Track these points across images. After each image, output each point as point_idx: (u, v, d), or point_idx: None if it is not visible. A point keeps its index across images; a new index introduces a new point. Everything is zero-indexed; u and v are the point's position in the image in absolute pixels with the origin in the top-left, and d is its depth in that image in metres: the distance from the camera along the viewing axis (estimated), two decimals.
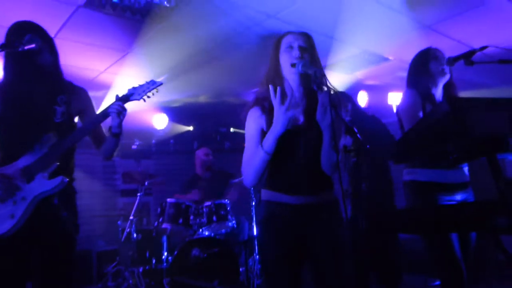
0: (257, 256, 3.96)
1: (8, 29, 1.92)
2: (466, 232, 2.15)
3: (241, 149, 1.78)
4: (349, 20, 3.37)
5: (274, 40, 1.83)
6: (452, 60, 1.91)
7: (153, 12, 3.12)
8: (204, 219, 3.84)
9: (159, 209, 4.02)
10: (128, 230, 4.46)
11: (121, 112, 1.97)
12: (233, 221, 3.93)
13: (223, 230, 3.95)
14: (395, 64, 4.50)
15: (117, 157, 6.03)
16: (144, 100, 2.05)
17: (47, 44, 1.96)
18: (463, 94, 2.59)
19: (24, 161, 1.85)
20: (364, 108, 4.99)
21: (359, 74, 4.91)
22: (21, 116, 1.89)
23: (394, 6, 3.17)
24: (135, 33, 3.42)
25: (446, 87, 2.37)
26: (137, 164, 5.20)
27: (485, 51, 1.76)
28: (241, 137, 1.84)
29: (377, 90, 5.22)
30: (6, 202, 1.80)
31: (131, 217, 4.48)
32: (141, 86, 2.05)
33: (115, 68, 4.24)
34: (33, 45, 1.84)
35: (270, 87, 1.62)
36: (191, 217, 3.87)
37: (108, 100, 4.60)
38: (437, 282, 3.36)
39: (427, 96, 2.28)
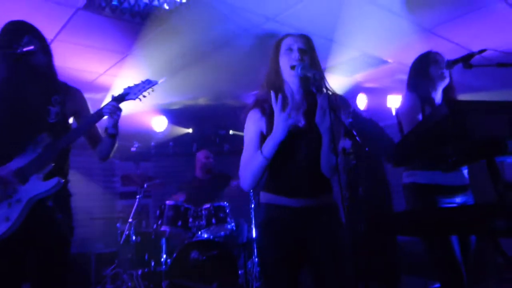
0: (256, 259, 3.95)
1: (2, 29, 1.89)
2: (465, 235, 2.15)
3: (241, 151, 1.77)
4: (348, 23, 3.38)
5: (273, 42, 1.83)
6: (451, 63, 1.92)
7: (153, 14, 3.13)
8: (203, 222, 3.84)
9: (158, 212, 4.01)
10: (127, 232, 4.44)
11: (115, 112, 1.95)
12: (232, 224, 3.93)
13: (222, 233, 3.94)
14: (395, 67, 4.51)
15: (117, 159, 6.07)
16: (140, 100, 2.03)
17: (42, 45, 1.95)
18: (462, 97, 2.59)
19: (17, 163, 1.82)
20: (362, 111, 5.00)
21: (358, 77, 4.91)
22: (14, 116, 1.87)
23: (394, 9, 3.18)
24: (135, 35, 3.43)
25: (446, 90, 2.38)
26: (136, 166, 5.21)
27: (483, 54, 1.77)
28: (241, 140, 1.83)
29: (377, 93, 5.23)
30: (1, 204, 1.77)
31: (130, 220, 4.46)
32: (136, 85, 2.03)
33: (115, 70, 4.24)
34: (31, 47, 1.83)
35: (272, 93, 1.61)
36: (190, 220, 3.86)
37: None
38: (437, 285, 3.35)
39: (426, 99, 2.29)
